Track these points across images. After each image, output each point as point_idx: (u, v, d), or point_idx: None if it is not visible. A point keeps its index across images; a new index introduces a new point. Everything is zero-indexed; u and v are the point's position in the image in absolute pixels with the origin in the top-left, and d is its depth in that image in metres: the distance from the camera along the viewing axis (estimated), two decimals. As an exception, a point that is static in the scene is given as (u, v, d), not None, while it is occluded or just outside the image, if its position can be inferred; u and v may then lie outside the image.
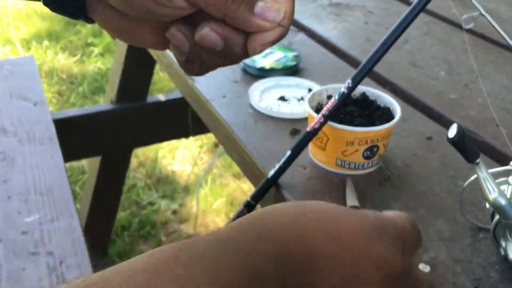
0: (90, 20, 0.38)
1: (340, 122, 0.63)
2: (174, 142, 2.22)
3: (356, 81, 0.60)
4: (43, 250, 0.89)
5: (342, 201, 0.62)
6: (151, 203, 1.93)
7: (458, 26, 1.08)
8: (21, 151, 1.11)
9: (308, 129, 0.62)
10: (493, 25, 0.82)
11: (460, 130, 0.53)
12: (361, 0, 1.21)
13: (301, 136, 0.63)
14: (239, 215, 0.59)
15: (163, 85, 2.61)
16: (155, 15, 0.35)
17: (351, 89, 0.60)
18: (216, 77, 0.86)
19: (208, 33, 0.35)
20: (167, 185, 2.03)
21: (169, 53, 0.93)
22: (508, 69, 0.93)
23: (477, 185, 0.59)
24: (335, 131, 0.63)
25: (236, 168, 2.07)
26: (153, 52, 1.02)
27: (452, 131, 0.53)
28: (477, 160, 0.54)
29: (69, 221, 0.95)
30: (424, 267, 0.55)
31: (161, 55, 0.97)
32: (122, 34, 0.38)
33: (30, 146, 1.12)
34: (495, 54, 0.99)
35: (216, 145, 2.23)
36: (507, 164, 0.59)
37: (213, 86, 0.83)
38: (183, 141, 2.24)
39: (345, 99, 0.61)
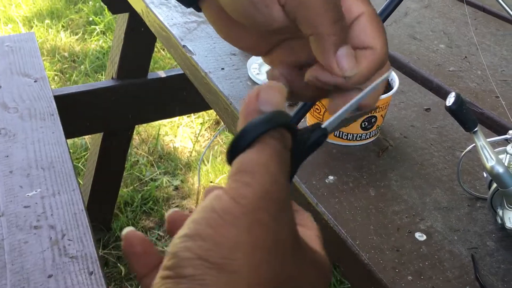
0: (198, 8, 0.39)
1: (338, 93, 0.63)
2: (175, 120, 2.22)
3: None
4: (45, 224, 0.90)
5: (340, 171, 0.62)
6: (153, 179, 1.94)
7: (460, -2, 1.07)
8: (23, 126, 1.11)
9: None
10: (494, -4, 0.81)
11: (458, 98, 0.53)
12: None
13: (299, 107, 0.62)
14: None
15: (165, 63, 2.60)
16: (253, 21, 0.35)
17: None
18: (214, 50, 0.86)
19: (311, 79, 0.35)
20: (169, 161, 2.04)
21: (167, 26, 0.93)
22: (508, 41, 0.93)
23: (474, 155, 0.60)
24: (332, 101, 0.63)
25: (238, 145, 2.07)
26: (152, 27, 1.01)
27: (450, 99, 0.53)
28: (475, 129, 0.54)
29: (71, 195, 0.96)
30: (420, 236, 0.55)
31: (159, 28, 0.96)
32: (223, 31, 0.38)
33: (32, 122, 1.13)
34: (496, 26, 0.98)
35: (217, 123, 2.23)
36: (505, 134, 0.59)
37: (211, 59, 0.83)
38: (184, 118, 2.24)
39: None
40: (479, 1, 1.03)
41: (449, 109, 0.53)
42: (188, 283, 0.24)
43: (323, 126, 0.32)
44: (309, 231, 0.33)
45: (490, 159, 0.53)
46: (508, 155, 0.56)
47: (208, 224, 0.25)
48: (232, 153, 0.28)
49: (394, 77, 0.67)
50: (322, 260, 0.30)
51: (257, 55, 0.40)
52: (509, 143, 0.57)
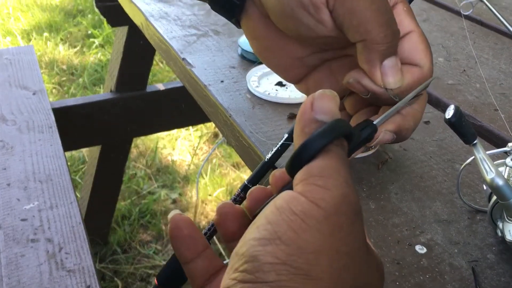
0: (238, 24, 0.38)
1: (337, 106, 0.63)
2: (174, 133, 2.22)
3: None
4: (42, 237, 0.89)
5: (339, 184, 0.62)
6: (151, 193, 1.93)
7: (457, 12, 1.08)
8: (21, 139, 1.11)
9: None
10: (492, 11, 0.82)
11: (457, 111, 0.53)
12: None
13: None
14: (235, 198, 0.59)
15: (163, 76, 2.61)
16: (300, 25, 0.34)
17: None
18: (213, 63, 0.86)
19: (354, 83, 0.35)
20: (167, 174, 2.03)
21: (167, 39, 0.93)
22: (506, 55, 0.93)
23: (474, 168, 0.60)
24: (332, 114, 0.63)
25: (236, 158, 2.07)
26: (152, 40, 1.02)
27: (450, 112, 0.53)
28: (475, 141, 0.54)
29: (69, 208, 0.95)
30: (420, 249, 0.55)
31: (159, 41, 0.96)
32: (263, 46, 0.38)
33: (30, 135, 1.13)
34: (494, 40, 0.98)
35: (215, 135, 2.23)
36: (504, 147, 0.59)
37: (211, 72, 0.83)
38: (182, 131, 2.24)
39: (342, 81, 0.61)
40: (477, 16, 1.04)
41: (448, 121, 0.53)
42: None
43: (375, 122, 0.32)
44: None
45: (490, 172, 0.53)
46: (507, 168, 0.56)
47: (290, 228, 0.24)
48: (297, 164, 0.28)
49: (393, 90, 0.67)
50: (380, 261, 0.30)
51: (292, 79, 0.39)
52: (509, 155, 0.57)
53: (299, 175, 0.27)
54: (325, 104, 0.28)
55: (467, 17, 1.04)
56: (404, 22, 0.36)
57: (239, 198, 0.61)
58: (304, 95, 0.67)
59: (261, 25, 0.37)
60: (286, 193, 0.26)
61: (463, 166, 0.59)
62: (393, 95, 0.34)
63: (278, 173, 0.31)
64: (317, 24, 0.34)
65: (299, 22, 0.34)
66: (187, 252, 0.32)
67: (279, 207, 0.25)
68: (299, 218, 0.24)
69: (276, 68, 0.39)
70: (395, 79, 0.34)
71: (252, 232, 0.25)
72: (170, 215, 0.32)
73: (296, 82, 0.39)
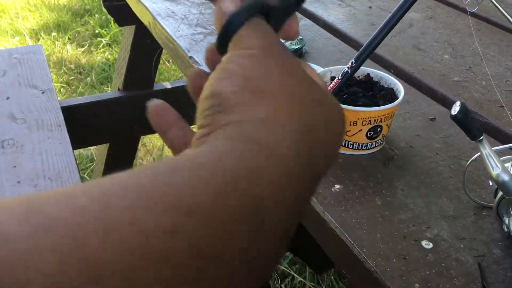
0: None
1: (344, 103, 0.64)
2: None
3: (360, 61, 0.60)
4: (53, 234, 0.90)
5: (347, 180, 0.63)
6: (158, 191, 1.94)
7: (462, 10, 1.08)
8: (30, 137, 1.12)
9: (312, 109, 0.63)
10: (498, 8, 0.82)
11: (463, 107, 0.54)
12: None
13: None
14: None
15: (170, 75, 2.62)
16: None
17: (354, 68, 0.60)
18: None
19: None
20: (174, 173, 2.04)
21: (174, 37, 0.94)
22: (513, 52, 0.93)
23: (480, 164, 0.60)
24: (338, 111, 0.63)
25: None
26: (159, 38, 1.02)
27: (456, 108, 0.54)
28: (481, 137, 0.55)
29: (78, 206, 0.96)
30: (427, 244, 0.55)
31: (166, 40, 0.97)
32: None
33: (39, 133, 1.14)
34: (500, 37, 0.98)
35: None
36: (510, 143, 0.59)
37: (218, 70, 0.84)
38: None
39: (349, 78, 0.61)
40: (483, 13, 1.04)
41: (454, 118, 0.54)
42: (240, 110, 0.27)
43: None
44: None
45: (496, 168, 0.53)
46: (513, 164, 0.56)
47: (239, 65, 0.28)
48: (225, 37, 0.30)
49: (400, 87, 0.68)
50: (330, 95, 0.33)
51: None
52: (515, 151, 0.58)
53: (231, 45, 0.30)
54: None
55: (473, 15, 1.04)
56: None
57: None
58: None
59: None
60: (223, 56, 0.30)
61: (469, 162, 0.59)
62: None
63: (210, 49, 0.35)
64: None
65: None
66: (163, 124, 0.36)
67: (225, 59, 0.29)
68: (244, 58, 0.29)
69: None
70: None
71: (209, 81, 0.29)
72: (150, 104, 0.37)
73: None
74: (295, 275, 1.50)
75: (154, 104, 0.37)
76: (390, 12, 0.63)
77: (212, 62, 0.33)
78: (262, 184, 0.24)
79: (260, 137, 0.26)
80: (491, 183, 0.59)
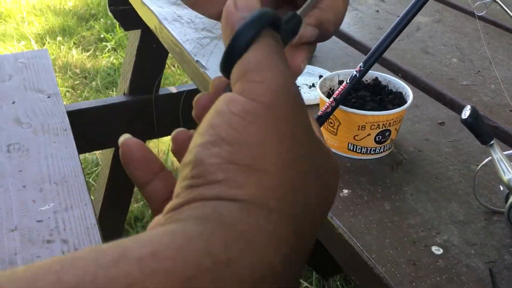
0: None
1: (352, 107, 0.63)
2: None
3: (368, 64, 0.60)
4: (58, 238, 0.90)
5: (355, 185, 0.62)
6: (163, 195, 1.94)
7: (470, 13, 1.07)
8: (36, 141, 1.12)
9: (319, 113, 0.62)
10: (507, 12, 0.81)
11: (474, 111, 0.53)
12: (372, -11, 1.20)
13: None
14: None
15: (175, 79, 2.62)
16: None
17: (362, 72, 0.60)
18: (227, 65, 0.86)
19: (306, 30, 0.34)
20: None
21: (181, 42, 0.94)
22: (522, 56, 0.93)
23: (490, 169, 0.59)
24: (346, 115, 0.63)
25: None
26: (165, 43, 1.02)
27: (466, 112, 0.53)
28: (491, 142, 0.54)
29: (83, 210, 0.96)
30: (437, 250, 0.55)
31: (172, 44, 0.97)
32: None
33: (45, 137, 1.14)
34: (508, 40, 0.98)
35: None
36: (520, 147, 0.59)
37: (224, 74, 0.84)
38: (195, 134, 2.25)
39: (357, 82, 0.61)
40: (491, 16, 1.03)
41: (465, 121, 0.53)
42: (221, 187, 0.23)
43: (298, 13, 0.32)
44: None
45: (508, 172, 0.52)
46: (525, 168, 0.55)
47: (231, 127, 0.24)
48: (229, 61, 0.27)
49: (408, 91, 0.67)
50: (329, 149, 0.29)
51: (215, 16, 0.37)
52: (526, 156, 0.57)
53: (234, 74, 0.26)
54: (248, 1, 0.27)
55: (481, 18, 1.04)
56: None
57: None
58: (318, 96, 0.67)
59: None
60: (224, 95, 0.25)
61: (479, 166, 0.58)
62: None
63: (217, 80, 0.30)
64: None
65: None
66: (142, 174, 0.31)
67: (219, 110, 0.25)
68: (239, 116, 0.24)
69: (209, 16, 0.37)
70: None
71: (196, 139, 0.25)
72: (120, 140, 0.32)
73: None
74: (301, 280, 1.49)
75: (126, 143, 0.32)
76: (397, 16, 0.62)
77: (216, 90, 0.30)
78: (230, 280, 0.21)
79: (238, 222, 0.22)
80: (502, 188, 0.58)
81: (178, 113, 1.54)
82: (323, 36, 0.35)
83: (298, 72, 0.34)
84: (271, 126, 0.24)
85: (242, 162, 0.23)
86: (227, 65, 0.27)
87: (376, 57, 0.60)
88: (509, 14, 0.82)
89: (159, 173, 0.31)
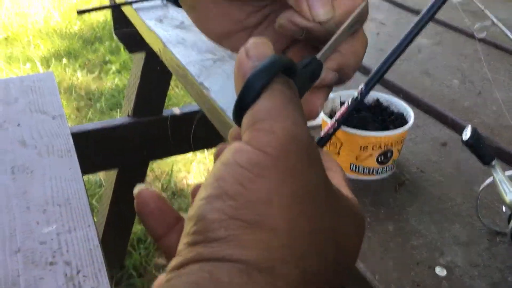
0: (177, 3, 0.37)
1: (354, 128, 0.64)
2: (189, 156, 2.23)
3: (370, 85, 0.60)
4: (61, 260, 0.90)
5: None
6: (167, 217, 1.94)
7: (470, 35, 1.08)
8: (41, 163, 1.13)
9: (321, 134, 0.62)
10: (506, 34, 0.82)
11: (475, 132, 0.53)
12: (372, 12, 1.22)
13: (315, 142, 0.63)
14: None
15: (178, 101, 2.64)
16: None
17: (364, 93, 0.60)
18: (230, 87, 0.87)
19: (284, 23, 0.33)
20: (182, 198, 2.04)
21: (184, 64, 0.95)
22: (522, 77, 0.93)
23: (492, 190, 0.59)
24: (348, 136, 0.63)
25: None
26: (169, 65, 1.03)
27: (467, 133, 0.53)
28: (493, 162, 0.54)
29: (86, 232, 0.96)
30: (440, 271, 0.54)
31: (176, 66, 0.98)
32: (201, 17, 0.36)
33: (49, 159, 1.14)
34: (509, 61, 0.98)
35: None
36: (522, 167, 0.59)
37: (228, 95, 0.85)
38: (198, 155, 2.25)
39: (358, 104, 0.61)
40: (491, 38, 1.04)
41: (466, 142, 0.53)
42: (222, 245, 0.21)
43: (318, 57, 0.31)
44: (336, 175, 0.30)
45: (510, 193, 0.53)
46: (527, 189, 0.56)
47: (236, 180, 0.22)
48: (240, 109, 0.26)
49: (410, 112, 0.68)
50: (355, 206, 0.27)
51: (235, 46, 0.36)
52: (528, 177, 0.57)
53: (245, 122, 0.25)
54: (260, 49, 0.26)
55: (481, 40, 1.05)
56: None
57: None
58: (320, 117, 0.68)
59: None
60: (232, 145, 0.24)
61: (482, 187, 0.58)
62: (327, 29, 0.33)
63: (234, 131, 0.29)
64: None
65: None
66: (158, 228, 0.30)
67: (225, 161, 0.23)
68: (245, 169, 0.23)
69: (218, 38, 0.37)
70: (325, 10, 0.31)
71: (201, 192, 0.23)
72: (135, 191, 0.31)
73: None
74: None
75: (141, 194, 0.30)
76: (398, 38, 0.63)
77: (232, 138, 0.29)
78: None
79: None
80: (504, 209, 0.58)
81: (182, 133, 1.55)
82: (342, 80, 0.35)
83: (314, 117, 0.33)
84: (280, 181, 0.22)
85: (246, 218, 0.22)
86: (238, 115, 0.26)
87: (377, 79, 0.61)
88: (509, 36, 0.83)
89: (175, 225, 0.30)
